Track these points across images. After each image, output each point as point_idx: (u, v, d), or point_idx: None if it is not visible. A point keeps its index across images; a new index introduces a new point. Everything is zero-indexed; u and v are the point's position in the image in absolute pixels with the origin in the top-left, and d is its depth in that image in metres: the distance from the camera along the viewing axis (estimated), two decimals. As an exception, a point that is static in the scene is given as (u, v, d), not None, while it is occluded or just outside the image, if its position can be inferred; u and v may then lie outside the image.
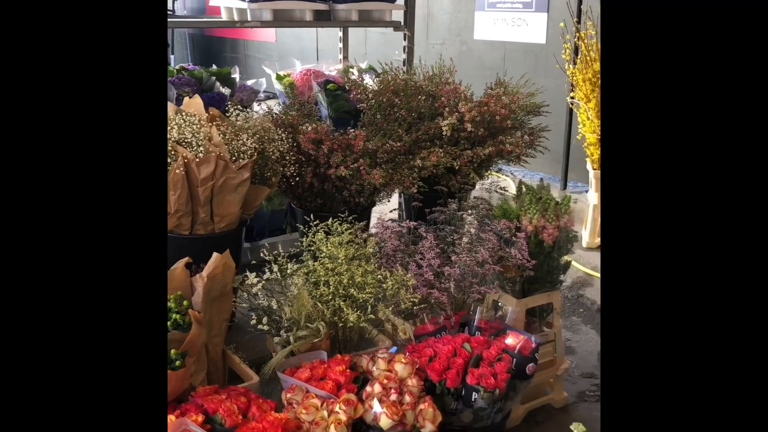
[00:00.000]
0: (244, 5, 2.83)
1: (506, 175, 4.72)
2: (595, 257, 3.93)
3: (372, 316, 1.99)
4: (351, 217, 2.27)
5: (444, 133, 2.70)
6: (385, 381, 1.83)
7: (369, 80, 3.08)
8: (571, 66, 4.08)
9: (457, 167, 2.69)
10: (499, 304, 2.45)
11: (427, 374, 1.93)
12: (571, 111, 4.55)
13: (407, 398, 1.81)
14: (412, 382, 1.86)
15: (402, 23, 3.26)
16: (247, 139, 2.31)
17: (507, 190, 2.72)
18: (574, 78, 4.00)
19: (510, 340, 2.04)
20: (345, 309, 1.95)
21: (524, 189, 2.53)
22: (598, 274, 3.71)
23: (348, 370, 1.89)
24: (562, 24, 4.19)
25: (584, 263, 3.83)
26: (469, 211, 2.41)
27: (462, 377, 1.93)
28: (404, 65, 3.27)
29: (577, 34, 4.01)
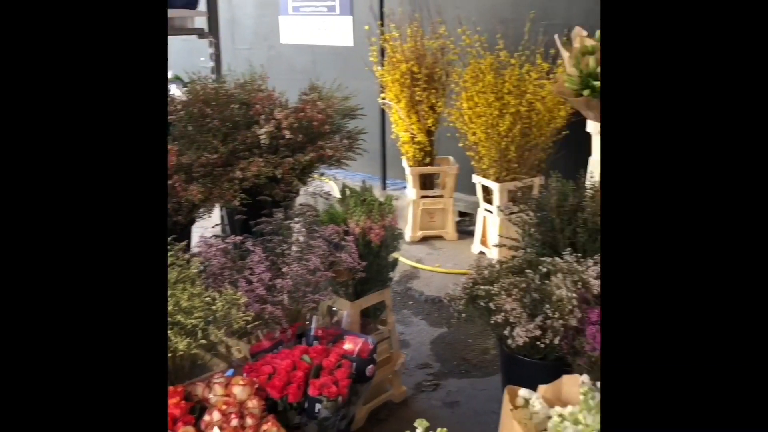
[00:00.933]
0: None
1: (328, 179, 4.76)
2: (418, 250, 4.10)
3: (203, 341, 1.88)
4: (170, 238, 2.13)
5: (262, 141, 2.64)
6: (224, 407, 1.74)
7: (176, 91, 2.92)
8: (379, 67, 4.20)
9: (279, 175, 2.65)
10: (334, 309, 2.45)
11: (267, 393, 1.87)
12: (383, 111, 4.69)
13: (249, 421, 1.74)
14: (253, 404, 1.79)
15: (206, 30, 3.13)
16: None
17: (331, 194, 2.73)
18: (384, 79, 4.13)
19: (348, 345, 2.04)
20: (172, 337, 1.83)
21: (348, 192, 2.55)
22: (423, 266, 3.86)
23: (182, 402, 1.77)
24: (366, 27, 4.30)
25: (409, 257, 3.97)
26: (296, 219, 2.38)
27: (303, 390, 1.90)
28: (213, 73, 3.15)
29: (382, 37, 4.14)
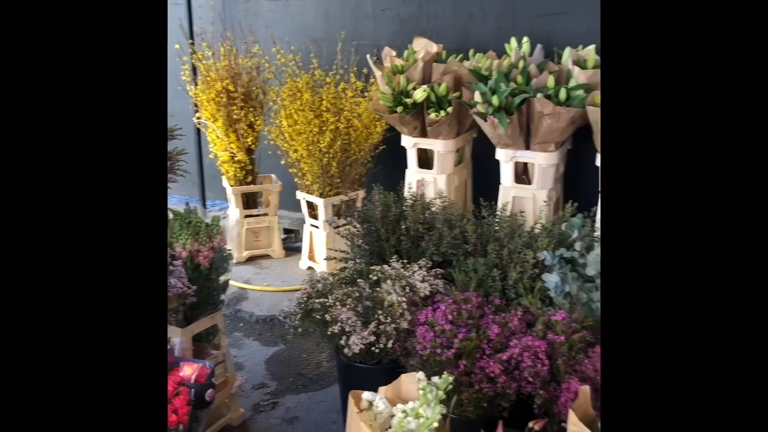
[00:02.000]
0: None
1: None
2: (245, 270, 4.04)
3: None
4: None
5: (72, 166, 2.46)
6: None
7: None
8: (192, 87, 4.10)
9: (93, 201, 2.48)
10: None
11: None
12: (198, 131, 4.57)
13: (81, 465, 1.61)
14: (84, 446, 1.67)
15: None
16: None
17: (151, 219, 2.61)
18: (198, 98, 4.03)
19: (186, 371, 1.98)
20: None
21: (172, 215, 2.46)
22: (252, 287, 3.82)
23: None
24: (177, 46, 4.18)
25: (236, 278, 3.90)
26: (116, 247, 2.25)
27: (140, 424, 1.80)
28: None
29: (194, 56, 4.04)
